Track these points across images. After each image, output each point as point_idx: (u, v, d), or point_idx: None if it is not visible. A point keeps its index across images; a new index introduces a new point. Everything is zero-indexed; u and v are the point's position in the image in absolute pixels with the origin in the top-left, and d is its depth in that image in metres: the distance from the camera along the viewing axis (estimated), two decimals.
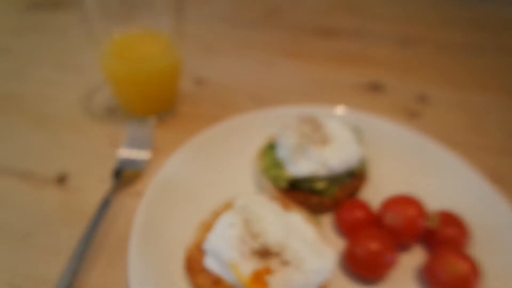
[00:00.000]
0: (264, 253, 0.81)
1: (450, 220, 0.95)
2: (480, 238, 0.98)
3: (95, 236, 1.01)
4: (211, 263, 0.86)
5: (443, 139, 1.34)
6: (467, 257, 0.85)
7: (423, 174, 1.16)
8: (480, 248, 0.97)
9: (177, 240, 0.95)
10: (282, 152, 1.04)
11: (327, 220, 1.05)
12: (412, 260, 0.96)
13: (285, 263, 0.80)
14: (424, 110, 1.51)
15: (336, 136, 1.03)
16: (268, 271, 0.79)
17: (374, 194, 1.10)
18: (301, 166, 1.00)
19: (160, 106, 1.37)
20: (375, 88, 1.63)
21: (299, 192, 1.04)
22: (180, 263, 0.90)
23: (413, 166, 1.19)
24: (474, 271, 0.84)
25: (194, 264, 0.88)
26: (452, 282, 0.83)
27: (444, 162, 1.17)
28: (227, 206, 0.97)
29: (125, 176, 1.17)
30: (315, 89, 1.60)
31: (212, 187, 1.11)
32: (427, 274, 0.89)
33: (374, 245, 0.87)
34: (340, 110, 1.31)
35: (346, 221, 0.97)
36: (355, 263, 0.89)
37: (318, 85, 1.63)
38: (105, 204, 1.05)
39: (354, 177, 1.08)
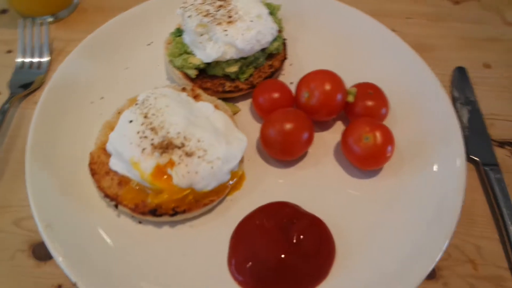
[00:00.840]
0: (166, 146, 0.76)
1: (368, 92, 0.91)
2: (400, 108, 0.96)
3: None
4: (115, 164, 0.80)
5: (373, 10, 1.25)
6: (379, 126, 0.83)
7: (348, 48, 1.09)
8: (399, 117, 0.95)
9: (80, 145, 0.88)
10: (188, 37, 0.93)
11: (246, 106, 0.99)
12: (332, 136, 0.94)
13: (189, 154, 0.75)
14: None
15: (244, 13, 0.92)
16: (170, 164, 0.75)
17: (295, 74, 1.03)
18: (208, 50, 0.90)
19: (55, 1, 1.19)
20: None
21: (213, 79, 0.96)
22: (85, 168, 0.84)
23: (339, 41, 1.11)
24: (386, 139, 0.81)
25: (98, 167, 0.82)
26: (364, 151, 0.82)
27: (370, 34, 1.09)
28: (131, 103, 0.89)
29: (24, 85, 1.04)
30: None
31: (119, 85, 1.01)
32: (342, 146, 0.87)
33: (286, 125, 0.83)
34: None
35: (261, 104, 0.92)
36: (269, 146, 0.86)
37: None
38: (1, 117, 0.94)
39: (272, 57, 1.00)
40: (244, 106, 0.99)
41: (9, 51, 1.13)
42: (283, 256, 0.72)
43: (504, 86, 1.09)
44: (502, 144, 0.96)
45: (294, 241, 0.74)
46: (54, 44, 1.15)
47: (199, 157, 0.75)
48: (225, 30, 0.88)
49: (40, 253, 0.80)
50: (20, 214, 0.85)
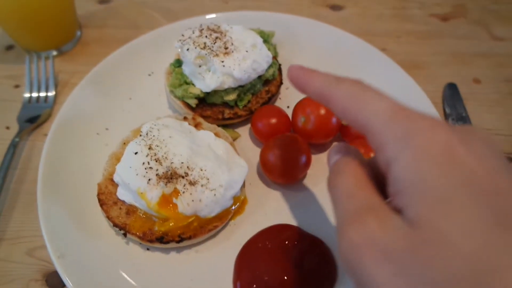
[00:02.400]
0: (171, 176, 0.79)
1: None
2: None
3: (9, 184, 0.97)
4: (122, 194, 0.84)
5: (365, 31, 1.30)
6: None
7: (341, 70, 1.09)
8: None
9: (88, 175, 0.92)
10: (187, 68, 0.98)
11: (246, 131, 1.03)
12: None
13: (193, 182, 0.79)
14: (347, 2, 1.44)
15: (240, 43, 0.97)
16: (175, 193, 0.78)
17: (291, 98, 1.07)
18: (207, 81, 0.94)
19: (58, 35, 1.24)
20: None
21: (212, 107, 1.00)
22: (94, 198, 0.87)
23: (332, 63, 1.14)
24: None
25: (106, 197, 0.86)
26: None
27: (362, 56, 1.13)
28: (135, 134, 0.93)
29: (32, 118, 1.09)
30: None
31: (123, 115, 1.05)
32: None
33: (283, 151, 0.87)
34: (247, 13, 1.23)
35: (260, 129, 0.96)
36: (269, 171, 0.89)
37: None
38: (12, 150, 0.99)
39: (268, 83, 1.04)
40: (244, 131, 1.03)
41: (17, 86, 1.18)
42: (286, 278, 0.75)
43: (495, 100, 1.13)
44: None
45: (297, 263, 0.77)
46: (59, 77, 1.19)
47: (202, 185, 0.79)
48: (222, 61, 0.92)
49: (54, 282, 0.84)
50: (33, 244, 0.88)
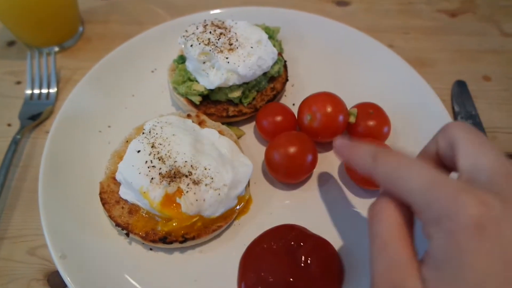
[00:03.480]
0: (174, 175, 0.78)
1: (369, 112, 0.92)
2: (401, 126, 0.97)
3: (10, 182, 0.95)
4: (125, 193, 0.83)
5: (371, 27, 1.27)
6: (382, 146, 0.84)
7: (347, 66, 1.11)
8: (401, 135, 0.96)
9: (90, 174, 0.91)
10: (191, 65, 0.96)
11: (250, 128, 1.01)
12: (335, 156, 0.94)
13: (197, 182, 0.78)
14: None
15: (244, 39, 0.95)
16: (179, 193, 0.77)
17: (297, 95, 1.05)
18: (211, 77, 0.92)
19: (60, 31, 1.22)
20: None
21: (216, 105, 0.98)
22: (96, 197, 0.86)
23: (338, 59, 1.13)
24: None
25: (108, 196, 0.84)
26: None
27: (369, 52, 1.11)
28: (138, 131, 0.91)
29: (33, 115, 1.07)
30: None
31: (126, 113, 1.03)
32: (345, 167, 0.89)
33: (289, 150, 0.85)
34: (252, 8, 1.21)
35: (265, 127, 0.94)
36: (274, 170, 0.88)
37: None
38: (14, 148, 0.97)
39: (273, 80, 1.02)
40: (248, 129, 1.01)
41: (18, 82, 1.16)
42: (291, 279, 0.73)
43: (505, 98, 1.10)
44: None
45: (302, 264, 0.75)
46: (61, 73, 1.18)
47: (206, 184, 0.77)
48: (227, 58, 0.90)
49: (55, 282, 0.83)
50: (34, 243, 0.87)
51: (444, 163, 0.59)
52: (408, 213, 0.55)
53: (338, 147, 0.69)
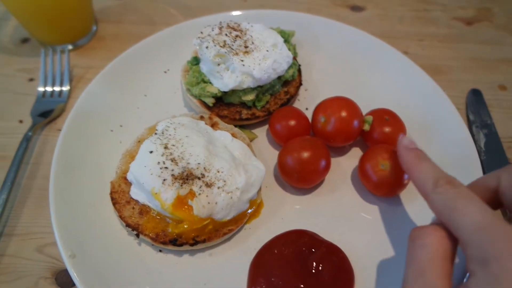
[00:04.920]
0: (186, 177, 0.77)
1: (384, 118, 0.91)
2: (416, 133, 0.96)
3: (20, 179, 0.95)
4: (136, 194, 0.82)
5: (386, 33, 1.26)
6: (396, 153, 0.83)
7: (362, 72, 1.10)
8: (416, 142, 0.95)
9: (102, 173, 0.90)
10: (205, 66, 0.96)
11: (263, 132, 1.01)
12: (349, 162, 0.94)
13: (209, 184, 0.77)
14: (368, 3, 1.40)
15: (260, 42, 0.94)
16: (191, 195, 0.76)
17: (310, 100, 1.05)
18: (225, 80, 0.92)
19: (74, 29, 1.22)
20: None
21: (230, 107, 0.97)
22: (107, 196, 0.85)
23: (352, 65, 1.12)
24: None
25: (119, 196, 0.83)
26: (381, 178, 0.82)
27: (383, 58, 1.10)
28: (150, 131, 0.91)
29: (45, 112, 1.07)
30: None
31: (138, 113, 1.03)
32: (359, 173, 0.88)
33: (303, 154, 0.84)
34: (267, 12, 1.20)
35: (278, 131, 0.93)
36: (287, 174, 0.87)
37: None
38: (25, 145, 0.97)
39: (287, 84, 1.02)
40: (261, 132, 1.00)
41: (31, 79, 1.16)
42: (302, 286, 0.72)
43: None
44: None
45: (313, 270, 0.74)
46: (74, 71, 1.18)
47: (218, 187, 0.76)
48: (242, 60, 0.90)
49: (63, 280, 0.82)
50: (43, 241, 0.87)
51: (502, 200, 0.60)
52: (453, 246, 0.56)
53: (404, 148, 0.70)
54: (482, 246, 0.49)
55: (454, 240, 0.56)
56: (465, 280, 0.66)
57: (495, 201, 0.61)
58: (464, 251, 0.53)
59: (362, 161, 0.86)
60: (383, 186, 0.83)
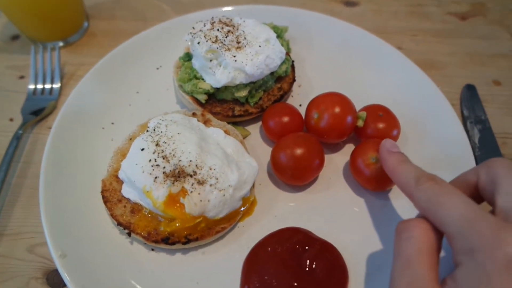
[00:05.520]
0: (178, 174, 0.76)
1: (378, 114, 0.90)
2: (410, 129, 0.95)
3: (11, 178, 0.94)
4: (127, 192, 0.81)
5: (380, 28, 1.25)
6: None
7: (356, 68, 1.09)
8: (410, 138, 0.95)
9: (93, 171, 0.89)
10: (197, 62, 0.94)
11: (256, 128, 1.00)
12: (342, 158, 0.94)
13: (201, 182, 0.76)
14: None
15: (253, 38, 0.93)
16: (183, 192, 0.75)
17: (304, 96, 1.04)
18: (218, 76, 0.91)
19: (65, 26, 1.20)
20: None
21: (222, 104, 0.96)
22: (98, 194, 0.84)
23: (346, 61, 1.11)
24: None
25: (110, 194, 0.82)
26: (373, 172, 0.81)
27: (377, 54, 1.09)
28: (142, 129, 0.90)
29: (36, 110, 1.06)
30: None
31: (130, 110, 1.02)
32: (351, 168, 0.87)
33: (296, 151, 0.83)
34: (260, 7, 1.19)
35: (271, 128, 0.92)
36: (280, 171, 0.86)
37: None
38: (15, 143, 0.96)
39: (280, 80, 1.01)
40: (254, 129, 0.99)
41: (22, 77, 1.15)
42: (295, 284, 0.72)
43: None
44: None
45: (307, 268, 0.74)
46: (65, 69, 1.16)
47: (211, 185, 0.76)
48: (234, 56, 0.89)
49: (54, 280, 0.81)
50: (34, 240, 0.86)
51: (482, 195, 0.61)
52: (438, 238, 0.57)
53: (386, 151, 0.72)
54: (468, 237, 0.50)
55: (439, 233, 0.57)
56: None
57: (476, 196, 0.62)
58: (450, 244, 0.54)
59: (353, 155, 0.86)
60: (375, 179, 0.82)
